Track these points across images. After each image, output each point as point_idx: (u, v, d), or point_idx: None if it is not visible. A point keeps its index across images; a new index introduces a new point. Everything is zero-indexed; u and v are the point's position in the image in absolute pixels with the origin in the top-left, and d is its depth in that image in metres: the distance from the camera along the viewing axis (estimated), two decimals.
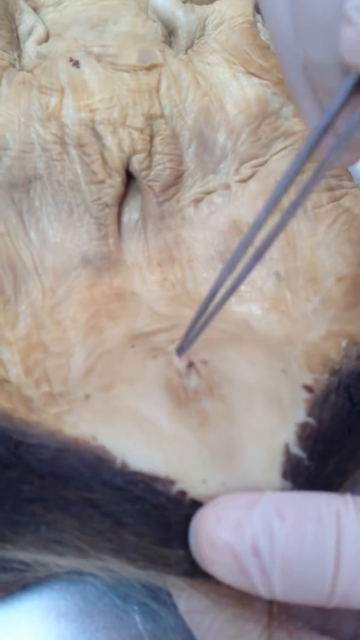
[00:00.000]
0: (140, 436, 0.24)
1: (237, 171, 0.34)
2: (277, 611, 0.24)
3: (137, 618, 0.30)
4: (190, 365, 0.25)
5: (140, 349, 0.27)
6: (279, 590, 0.21)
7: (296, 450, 0.24)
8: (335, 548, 0.20)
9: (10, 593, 0.30)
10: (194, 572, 0.23)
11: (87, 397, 0.26)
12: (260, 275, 0.31)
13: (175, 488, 0.23)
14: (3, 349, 0.28)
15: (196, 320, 0.25)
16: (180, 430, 0.24)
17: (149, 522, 0.23)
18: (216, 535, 0.21)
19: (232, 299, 0.31)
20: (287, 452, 0.24)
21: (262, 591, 0.21)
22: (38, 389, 0.27)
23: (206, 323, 0.25)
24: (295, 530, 0.21)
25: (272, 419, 0.25)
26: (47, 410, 0.25)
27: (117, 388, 0.25)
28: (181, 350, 0.26)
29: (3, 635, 0.31)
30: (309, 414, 0.25)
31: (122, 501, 0.23)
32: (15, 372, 0.27)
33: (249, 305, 0.30)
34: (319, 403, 0.25)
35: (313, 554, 0.20)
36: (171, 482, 0.23)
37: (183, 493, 0.23)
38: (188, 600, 0.25)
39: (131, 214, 0.33)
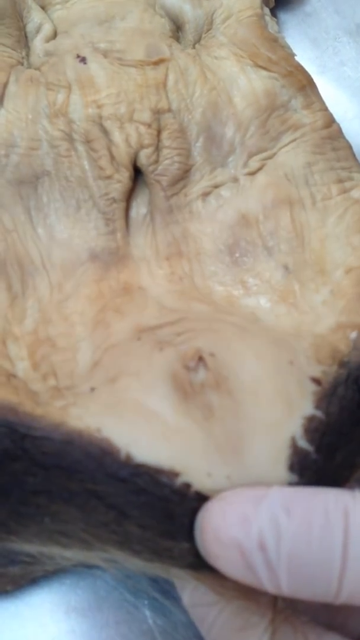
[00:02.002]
0: (145, 429, 0.24)
1: (245, 164, 0.33)
2: (283, 605, 0.23)
3: (148, 613, 0.30)
4: (200, 359, 0.25)
5: (147, 342, 0.27)
6: (286, 586, 0.21)
7: (303, 443, 0.24)
8: (342, 545, 0.20)
9: (19, 587, 0.30)
10: (199, 565, 0.23)
11: (92, 389, 0.26)
12: (268, 267, 0.31)
13: (180, 480, 0.23)
14: (11, 343, 0.28)
15: None
16: (185, 423, 0.24)
17: (153, 514, 0.23)
18: (222, 530, 0.21)
19: (240, 291, 0.31)
20: (294, 445, 0.24)
21: (269, 587, 0.21)
22: (45, 383, 0.27)
23: None
24: (302, 526, 0.20)
25: (279, 412, 0.24)
26: (53, 404, 0.25)
27: (122, 380, 0.25)
28: None
29: (12, 629, 0.31)
30: (317, 407, 0.25)
31: (126, 493, 0.23)
32: (22, 367, 0.27)
33: (257, 297, 0.30)
34: (327, 395, 0.25)
35: (319, 551, 0.20)
36: (175, 475, 0.23)
37: (187, 485, 0.23)
38: (192, 593, 0.25)
39: (139, 208, 0.33)
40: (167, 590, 0.28)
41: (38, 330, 0.29)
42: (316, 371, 0.26)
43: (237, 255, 0.31)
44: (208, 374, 0.25)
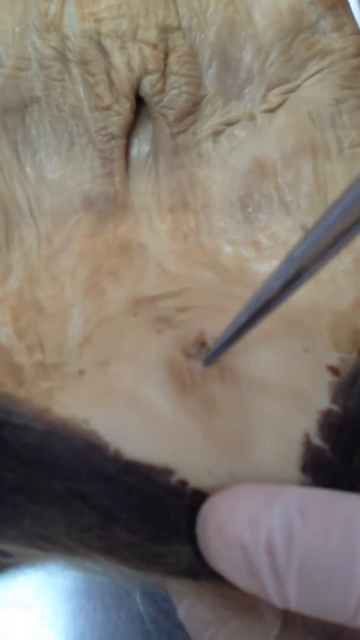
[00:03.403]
0: (137, 422, 0.21)
1: (264, 98, 0.29)
2: (289, 622, 0.22)
3: (138, 599, 0.29)
4: (202, 345, 0.22)
5: (144, 319, 0.24)
6: (294, 598, 0.18)
7: (317, 440, 0.22)
8: None
9: (3, 571, 0.29)
10: (195, 572, 0.21)
11: (81, 373, 0.23)
12: (285, 227, 0.27)
13: (175, 478, 0.21)
14: None
15: (235, 327, 0.21)
16: (182, 418, 0.21)
17: (143, 515, 0.21)
18: (227, 527, 0.19)
19: (252, 254, 0.27)
20: (308, 443, 0.22)
21: (274, 597, 0.19)
22: (31, 356, 0.24)
23: (240, 334, 0.22)
24: (319, 532, 0.18)
25: (290, 406, 0.22)
26: (38, 384, 0.23)
27: (114, 365, 0.23)
28: (210, 360, 0.23)
29: None
30: (333, 400, 0.22)
31: (113, 492, 0.21)
32: (5, 333, 0.25)
33: (270, 262, 0.27)
34: (346, 387, 0.23)
35: (338, 562, 0.18)
36: (170, 472, 0.21)
37: (184, 483, 0.21)
38: (189, 609, 0.23)
39: (141, 146, 0.29)
40: None
41: (23, 290, 0.26)
42: (333, 359, 0.23)
43: (249, 210, 0.28)
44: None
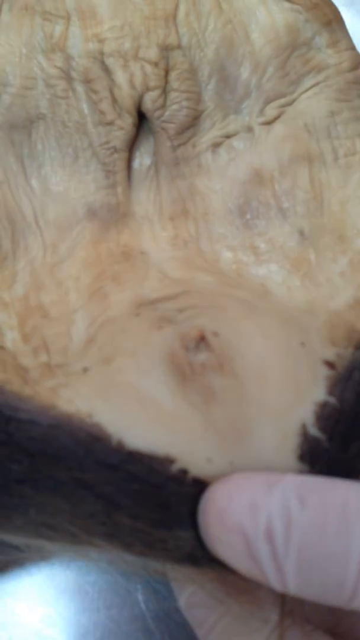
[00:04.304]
0: (138, 414, 0.22)
1: (261, 111, 0.30)
2: (289, 610, 0.22)
3: (140, 597, 0.29)
4: (202, 339, 0.23)
5: (146, 318, 0.24)
6: (293, 582, 0.19)
7: (314, 431, 0.22)
8: None
9: (6, 571, 0.29)
10: (196, 557, 0.21)
11: (85, 370, 0.24)
12: (282, 232, 0.28)
13: (176, 466, 0.21)
14: None
15: None
16: (182, 408, 0.22)
17: (145, 502, 0.21)
18: (227, 513, 0.19)
19: (251, 258, 0.28)
20: (305, 433, 0.22)
21: (274, 582, 0.19)
22: (36, 358, 0.25)
23: None
24: (316, 517, 0.18)
25: (288, 397, 0.22)
26: (43, 383, 0.23)
27: (117, 361, 0.23)
28: None
29: (0, 611, 0.30)
30: (330, 393, 0.23)
31: (116, 481, 0.21)
32: (11, 337, 0.25)
33: (268, 266, 0.28)
34: (342, 380, 0.23)
35: (335, 547, 0.18)
36: (171, 461, 0.21)
37: (184, 471, 0.21)
38: (190, 597, 0.23)
39: (142, 159, 0.30)
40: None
41: (29, 296, 0.27)
42: (330, 354, 0.24)
43: (248, 217, 0.29)
44: (210, 355, 0.23)
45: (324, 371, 0.23)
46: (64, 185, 0.29)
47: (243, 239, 0.28)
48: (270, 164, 0.29)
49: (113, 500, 0.21)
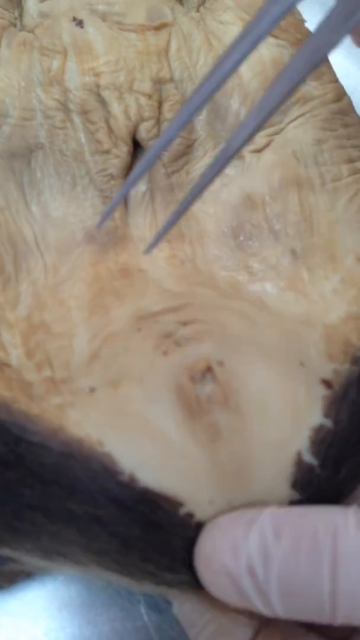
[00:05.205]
0: (149, 448, 0.22)
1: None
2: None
3: (143, 609, 0.30)
4: (208, 369, 0.24)
5: (148, 335, 0.25)
6: (280, 609, 0.21)
7: (309, 457, 0.23)
8: (330, 565, 0.20)
9: (13, 583, 0.29)
10: (196, 590, 0.22)
11: (92, 390, 0.24)
12: (275, 252, 0.29)
13: (183, 510, 0.22)
14: (3, 330, 0.27)
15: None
16: (190, 446, 0.23)
17: (155, 546, 0.22)
18: (212, 558, 0.21)
19: (245, 277, 0.29)
20: (299, 462, 0.23)
21: (263, 610, 0.21)
22: (39, 372, 0.25)
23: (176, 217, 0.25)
24: (290, 549, 0.20)
25: (286, 429, 0.23)
26: (49, 400, 0.24)
27: (124, 386, 0.24)
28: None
29: (5, 624, 0.30)
30: (326, 415, 0.24)
31: (130, 523, 0.22)
32: (15, 355, 0.26)
33: (262, 284, 0.29)
34: (337, 400, 0.24)
35: (308, 574, 0.20)
36: (179, 504, 0.22)
37: (190, 515, 0.22)
38: (183, 603, 0.25)
39: (138, 186, 0.31)
40: None
41: (32, 315, 0.27)
42: (327, 371, 0.25)
43: (241, 238, 0.30)
44: (216, 387, 0.23)
45: (321, 391, 0.24)
46: (63, 210, 0.30)
47: (238, 260, 0.29)
48: (261, 189, 0.30)
49: (127, 541, 0.22)
